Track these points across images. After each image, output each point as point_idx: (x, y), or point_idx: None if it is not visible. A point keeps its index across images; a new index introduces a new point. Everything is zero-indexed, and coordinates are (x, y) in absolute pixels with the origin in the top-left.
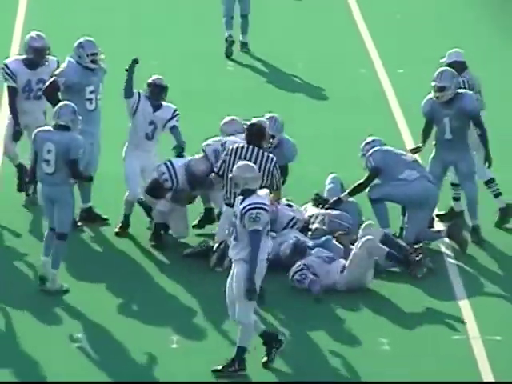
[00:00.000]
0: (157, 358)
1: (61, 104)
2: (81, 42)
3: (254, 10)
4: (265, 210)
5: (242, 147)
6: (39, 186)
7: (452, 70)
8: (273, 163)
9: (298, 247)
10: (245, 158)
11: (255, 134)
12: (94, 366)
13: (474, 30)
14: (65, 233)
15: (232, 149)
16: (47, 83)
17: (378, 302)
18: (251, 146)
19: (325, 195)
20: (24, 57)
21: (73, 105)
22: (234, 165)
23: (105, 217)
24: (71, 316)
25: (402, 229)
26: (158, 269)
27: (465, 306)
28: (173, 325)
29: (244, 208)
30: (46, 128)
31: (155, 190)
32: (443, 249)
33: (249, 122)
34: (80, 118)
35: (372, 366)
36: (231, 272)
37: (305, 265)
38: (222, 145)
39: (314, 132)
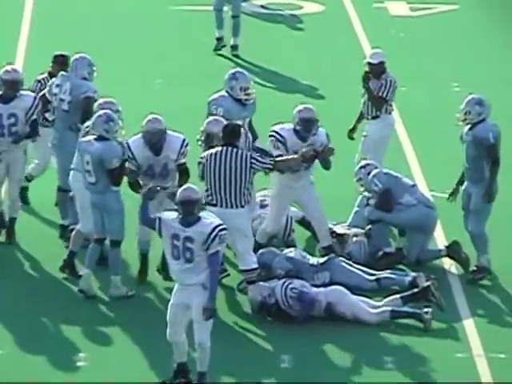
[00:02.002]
0: (160, 376)
1: (96, 114)
2: (90, 60)
3: (260, 31)
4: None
5: (217, 151)
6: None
7: (479, 97)
8: (249, 159)
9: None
10: (222, 160)
11: (230, 135)
12: None
13: (475, 49)
14: (118, 240)
15: (208, 154)
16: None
17: (382, 321)
18: (225, 148)
19: (350, 218)
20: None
21: (108, 112)
22: (213, 169)
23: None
24: (74, 334)
25: (399, 249)
26: (160, 286)
27: (468, 324)
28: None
29: (215, 228)
30: (87, 138)
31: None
32: (446, 267)
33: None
34: (120, 124)
35: None
36: (177, 295)
37: (289, 280)
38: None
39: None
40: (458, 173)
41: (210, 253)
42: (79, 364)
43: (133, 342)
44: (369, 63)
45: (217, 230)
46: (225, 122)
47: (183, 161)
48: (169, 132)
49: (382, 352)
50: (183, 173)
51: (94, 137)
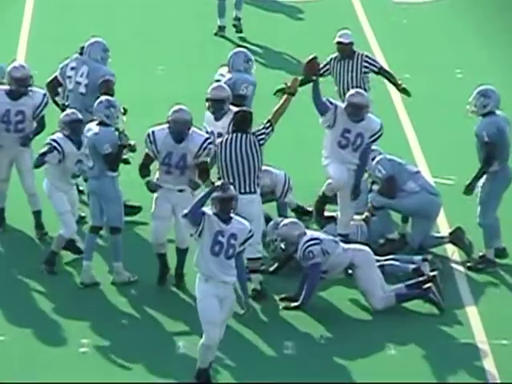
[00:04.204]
0: (163, 364)
1: (98, 100)
2: (104, 45)
3: (261, 19)
4: None
5: (228, 138)
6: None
7: (485, 88)
8: (256, 139)
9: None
10: (234, 146)
11: (241, 121)
12: (97, 372)
13: (478, 35)
14: (117, 226)
15: (220, 141)
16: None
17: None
18: (236, 134)
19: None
20: (7, 87)
21: (109, 99)
22: (225, 156)
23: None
24: (77, 321)
25: (403, 235)
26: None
27: (471, 311)
28: (179, 330)
29: (251, 231)
30: (92, 123)
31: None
32: (449, 253)
33: (234, 110)
34: (121, 111)
35: (378, 370)
36: (214, 293)
37: (318, 239)
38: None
39: (320, 135)
40: (461, 159)
41: (241, 249)
42: (81, 350)
43: (135, 328)
44: (340, 43)
45: (252, 229)
46: (228, 90)
47: (204, 159)
48: (195, 129)
49: (385, 338)
50: (203, 172)
51: (96, 122)
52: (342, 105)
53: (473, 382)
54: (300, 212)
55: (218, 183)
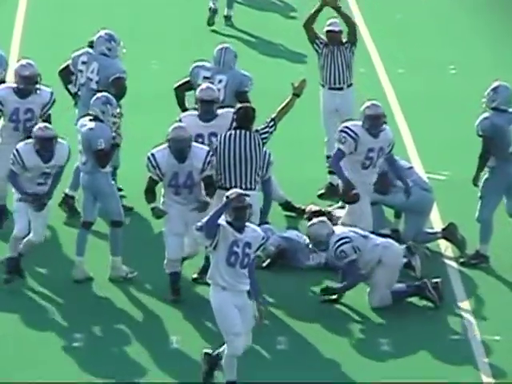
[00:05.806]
0: (156, 359)
1: (96, 95)
2: (110, 35)
3: (254, 14)
4: None
5: (230, 134)
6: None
7: (498, 84)
8: (258, 136)
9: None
10: (236, 143)
11: (243, 118)
12: (91, 366)
13: (472, 31)
14: (118, 220)
15: (221, 137)
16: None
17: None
18: (238, 131)
19: None
20: (14, 85)
21: (108, 96)
22: (227, 152)
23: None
24: (70, 315)
25: (395, 231)
26: (158, 269)
27: (464, 306)
28: (172, 325)
29: (264, 238)
30: (85, 118)
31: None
32: (442, 249)
33: (236, 107)
34: (118, 110)
35: (372, 366)
36: (232, 302)
37: (347, 237)
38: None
39: (315, 133)
40: (455, 155)
41: (253, 256)
42: (75, 344)
43: (128, 322)
44: (331, 31)
45: (264, 234)
46: (217, 90)
47: (210, 173)
48: (194, 144)
49: (378, 334)
50: (209, 185)
51: (90, 117)
52: (359, 123)
53: (466, 381)
54: (288, 208)
55: (233, 195)
